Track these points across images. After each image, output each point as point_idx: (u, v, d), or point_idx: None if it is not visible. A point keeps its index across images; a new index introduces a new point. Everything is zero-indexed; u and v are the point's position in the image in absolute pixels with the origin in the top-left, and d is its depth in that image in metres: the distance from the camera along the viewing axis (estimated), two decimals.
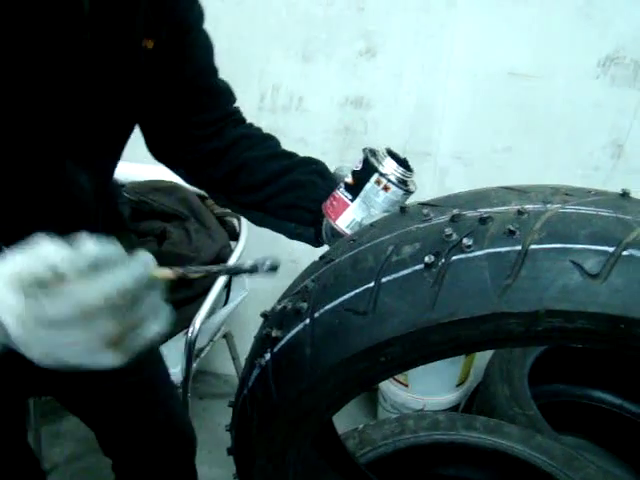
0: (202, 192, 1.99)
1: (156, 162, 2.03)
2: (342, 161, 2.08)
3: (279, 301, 0.77)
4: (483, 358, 2.06)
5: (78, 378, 1.22)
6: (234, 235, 1.98)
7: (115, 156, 1.11)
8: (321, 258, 0.77)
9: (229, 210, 2.02)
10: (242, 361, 0.83)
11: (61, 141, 0.94)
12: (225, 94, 1.19)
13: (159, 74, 1.05)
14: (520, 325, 0.61)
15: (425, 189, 2.10)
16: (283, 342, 0.70)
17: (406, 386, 2.18)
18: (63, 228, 0.92)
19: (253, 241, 1.98)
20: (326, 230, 1.07)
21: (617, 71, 1.91)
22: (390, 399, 2.25)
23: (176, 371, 1.73)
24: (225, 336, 2.19)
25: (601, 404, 2.22)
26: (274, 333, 0.71)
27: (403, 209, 0.72)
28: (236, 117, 1.20)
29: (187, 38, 1.07)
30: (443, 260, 0.62)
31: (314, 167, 1.14)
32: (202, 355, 1.96)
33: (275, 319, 0.74)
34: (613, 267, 0.59)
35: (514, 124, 1.99)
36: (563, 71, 1.91)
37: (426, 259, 0.62)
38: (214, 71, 1.17)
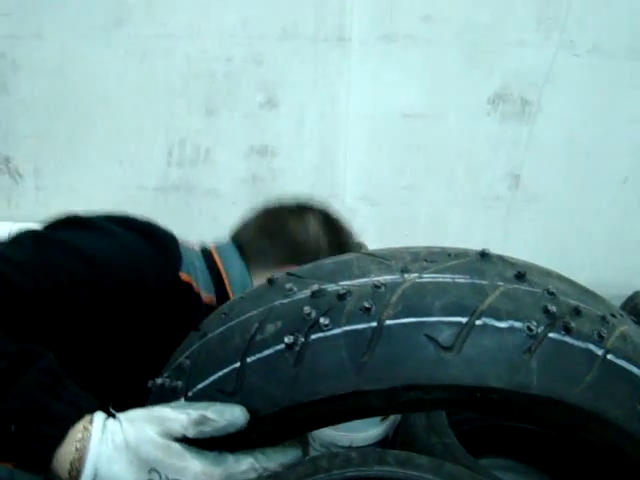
0: None
1: None
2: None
3: (160, 375, 0.79)
4: None
5: None
6: None
7: None
8: (196, 330, 0.79)
9: None
10: None
11: None
12: None
13: None
14: (380, 400, 0.62)
15: None
16: None
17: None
18: None
19: None
20: None
21: (506, 107, 2.02)
22: (319, 438, 2.27)
23: None
24: None
25: (520, 424, 2.29)
26: None
27: (270, 281, 0.75)
28: None
29: None
30: (302, 339, 0.64)
31: None
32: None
33: (155, 396, 0.76)
34: (466, 338, 0.61)
35: (414, 162, 2.08)
36: (455, 110, 2.02)
37: (286, 339, 0.64)
38: None
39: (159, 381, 0.76)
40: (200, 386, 0.69)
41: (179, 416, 0.67)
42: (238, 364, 0.66)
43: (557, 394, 0.61)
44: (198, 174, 2.08)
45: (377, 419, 2.23)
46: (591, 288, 0.72)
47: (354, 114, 2.01)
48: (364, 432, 2.22)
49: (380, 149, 2.06)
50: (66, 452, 0.68)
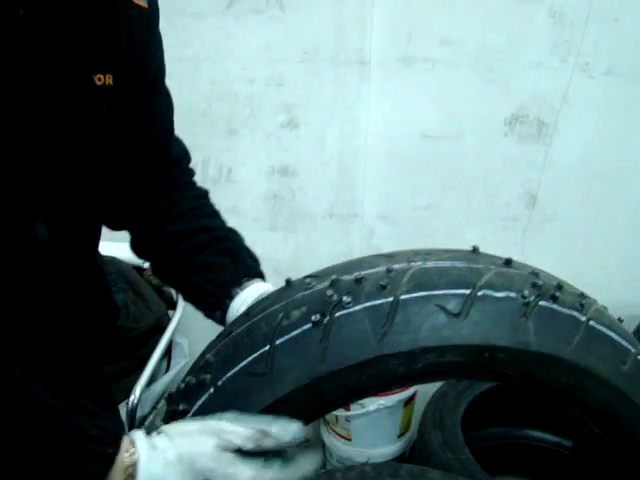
0: (139, 264, 2.07)
1: None
2: (272, 227, 2.18)
3: (182, 380, 0.83)
4: (423, 407, 2.13)
5: None
6: (171, 304, 2.04)
7: (90, 218, 1.03)
8: (218, 336, 0.85)
9: None
10: None
11: (23, 196, 0.87)
12: (182, 159, 1.17)
13: (120, 123, 0.97)
14: (401, 365, 0.70)
15: (354, 249, 2.21)
16: (191, 414, 0.76)
17: (349, 440, 2.23)
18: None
19: (190, 309, 2.05)
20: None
21: (523, 129, 2.06)
22: (336, 454, 2.30)
23: None
24: None
25: (539, 443, 2.30)
26: (181, 407, 0.77)
27: (288, 282, 0.81)
28: (184, 179, 1.16)
29: (152, 91, 1.05)
30: (328, 317, 0.71)
31: (227, 245, 1.09)
32: (146, 423, 1.98)
33: (180, 395, 0.80)
34: (471, 306, 0.70)
35: (432, 182, 2.12)
36: (473, 131, 2.06)
37: (313, 318, 0.71)
38: (172, 134, 1.15)
39: (185, 381, 0.80)
40: (229, 374, 0.74)
41: (238, 429, 0.70)
42: (267, 347, 0.72)
43: (553, 350, 0.71)
44: (220, 192, 2.12)
45: (394, 436, 2.25)
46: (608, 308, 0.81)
47: (373, 135, 2.05)
48: (381, 448, 2.24)
49: (398, 169, 2.10)
50: None
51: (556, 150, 2.08)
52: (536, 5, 1.90)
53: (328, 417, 2.27)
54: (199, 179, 2.12)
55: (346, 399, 0.75)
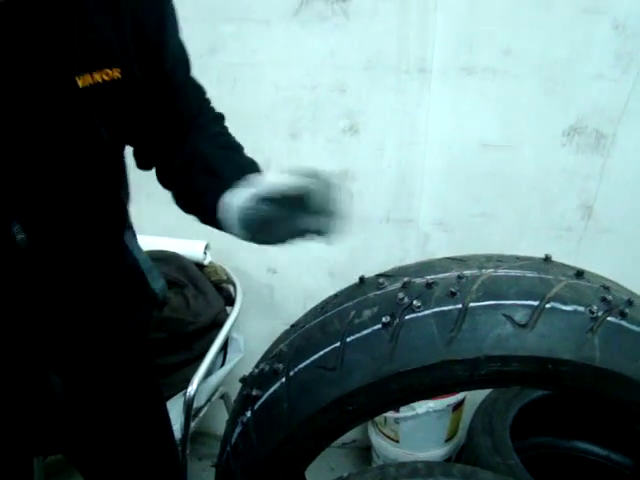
0: (200, 261, 2.14)
1: (159, 234, 2.17)
2: None
3: (256, 366, 0.89)
4: (471, 413, 2.15)
5: (85, 429, 1.29)
6: (229, 300, 2.11)
7: (76, 217, 1.02)
8: (292, 326, 0.90)
9: (225, 277, 2.16)
10: None
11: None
12: (197, 97, 1.19)
13: (132, 114, 1.01)
14: (465, 370, 0.73)
15: (410, 254, 2.25)
16: (262, 399, 0.81)
17: (397, 442, 2.26)
18: None
19: (247, 306, 2.11)
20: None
21: (581, 140, 2.06)
22: (383, 455, 2.33)
23: (175, 428, 1.83)
24: (222, 397, 2.29)
25: (587, 455, 2.29)
26: (254, 392, 0.83)
27: (362, 280, 0.85)
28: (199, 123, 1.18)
29: (171, 83, 1.07)
30: (397, 320, 0.74)
31: (234, 157, 1.13)
32: (200, 415, 2.05)
33: (254, 380, 0.86)
34: (538, 318, 0.72)
35: (489, 191, 2.14)
36: (531, 141, 2.07)
37: (383, 319, 0.75)
38: (189, 78, 1.16)
39: (256, 370, 0.85)
40: (301, 366, 0.79)
41: None
42: (338, 343, 0.77)
43: (618, 367, 0.72)
44: None
45: (442, 439, 2.27)
46: None
47: (432, 142, 2.08)
48: (428, 451, 2.27)
49: (456, 176, 2.13)
50: None
51: (614, 162, 2.08)
52: (599, 16, 1.91)
53: (377, 418, 2.31)
54: None
55: (408, 399, 0.79)
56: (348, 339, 0.76)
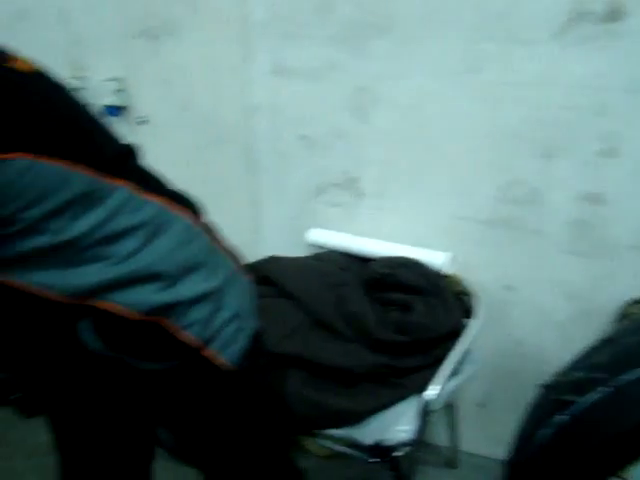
0: (442, 271, 2.20)
1: (402, 242, 2.27)
2: (572, 251, 2.19)
3: (564, 375, 0.92)
4: None
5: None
6: (468, 312, 2.15)
7: None
8: (601, 340, 0.92)
9: (465, 289, 2.21)
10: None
11: None
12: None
13: None
14: None
15: None
16: (582, 405, 0.84)
17: None
18: None
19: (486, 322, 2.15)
20: None
21: None
22: None
23: (408, 429, 1.88)
24: (447, 406, 2.33)
25: None
26: (568, 397, 0.86)
27: None
28: None
29: None
30: None
31: None
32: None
33: (565, 387, 0.89)
34: None
35: None
36: None
37: None
38: None
39: (573, 375, 0.88)
40: (625, 377, 0.80)
41: None
42: None
43: None
44: (526, 213, 2.20)
45: None
46: None
47: None
48: None
49: None
50: None
51: None
52: None
53: None
54: (507, 198, 2.18)
55: None
56: None
